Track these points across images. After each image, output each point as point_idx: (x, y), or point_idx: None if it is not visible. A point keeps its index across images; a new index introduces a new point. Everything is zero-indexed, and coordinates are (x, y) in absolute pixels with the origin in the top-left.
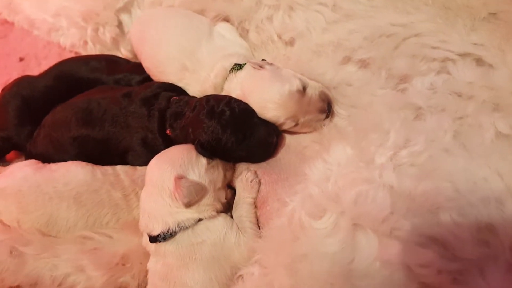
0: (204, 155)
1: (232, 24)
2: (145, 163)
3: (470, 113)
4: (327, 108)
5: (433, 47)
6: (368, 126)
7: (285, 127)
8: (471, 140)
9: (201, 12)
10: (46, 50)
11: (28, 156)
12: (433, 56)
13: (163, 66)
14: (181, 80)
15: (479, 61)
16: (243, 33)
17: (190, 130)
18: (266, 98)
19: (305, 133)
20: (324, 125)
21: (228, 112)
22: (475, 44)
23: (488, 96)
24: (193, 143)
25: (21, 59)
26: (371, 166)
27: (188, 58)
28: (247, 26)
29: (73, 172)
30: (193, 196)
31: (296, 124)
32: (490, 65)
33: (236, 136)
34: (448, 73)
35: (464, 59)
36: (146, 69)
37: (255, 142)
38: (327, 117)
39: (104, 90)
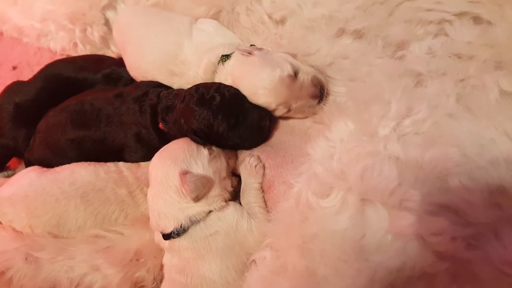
0: (198, 143)
1: (227, 13)
2: (141, 158)
3: (472, 74)
4: (319, 93)
5: (428, 10)
6: (368, 98)
7: (278, 113)
8: (475, 101)
9: (192, 5)
10: (37, 56)
11: (28, 164)
12: (429, 19)
13: (150, 76)
14: (172, 85)
15: (476, 19)
16: (235, 17)
17: (182, 121)
18: (256, 84)
19: (299, 118)
20: (316, 111)
21: (218, 98)
22: (470, 1)
23: (489, 55)
24: (187, 134)
25: (14, 68)
26: (375, 138)
27: (172, 63)
28: (238, 10)
29: (77, 173)
30: (200, 189)
31: (289, 110)
32: (489, 22)
33: (228, 121)
34: (446, 35)
35: (461, 19)
36: (133, 78)
37: (248, 126)
38: (320, 102)
39: (95, 91)
